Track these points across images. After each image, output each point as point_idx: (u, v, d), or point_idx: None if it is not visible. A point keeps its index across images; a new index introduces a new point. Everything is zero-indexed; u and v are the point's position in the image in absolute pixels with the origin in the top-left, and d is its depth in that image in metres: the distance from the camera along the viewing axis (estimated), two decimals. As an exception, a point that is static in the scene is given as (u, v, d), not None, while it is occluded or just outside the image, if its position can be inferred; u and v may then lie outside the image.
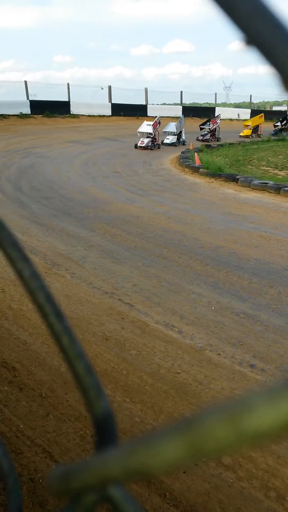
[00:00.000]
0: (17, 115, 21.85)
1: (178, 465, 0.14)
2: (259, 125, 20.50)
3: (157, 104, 29.48)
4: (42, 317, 0.27)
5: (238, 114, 30.94)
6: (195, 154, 11.92)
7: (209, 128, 17.87)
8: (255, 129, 20.31)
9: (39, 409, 2.43)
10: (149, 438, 0.15)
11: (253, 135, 20.03)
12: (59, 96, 24.83)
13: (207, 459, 2.11)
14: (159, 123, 15.74)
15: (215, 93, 31.95)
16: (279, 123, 21.18)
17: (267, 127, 22.14)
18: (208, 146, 15.44)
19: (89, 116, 25.00)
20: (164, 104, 32.02)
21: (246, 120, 21.11)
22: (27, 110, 22.75)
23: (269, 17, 0.15)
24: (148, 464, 0.15)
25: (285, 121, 20.80)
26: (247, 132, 20.07)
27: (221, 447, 0.12)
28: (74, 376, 0.25)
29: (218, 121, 18.42)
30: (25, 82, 23.93)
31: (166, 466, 0.14)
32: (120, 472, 0.16)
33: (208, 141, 17.29)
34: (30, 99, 23.62)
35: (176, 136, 16.18)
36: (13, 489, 0.37)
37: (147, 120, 16.32)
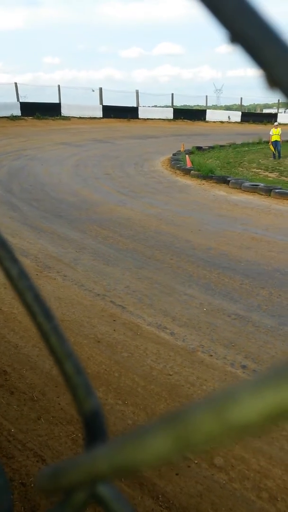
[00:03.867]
0: (7, 117, 21.74)
1: (166, 459, 0.14)
2: None
3: (148, 106, 29.55)
4: (30, 317, 0.26)
5: (229, 117, 31.15)
6: (186, 156, 11.97)
7: None
8: None
9: (30, 412, 2.41)
10: (137, 433, 0.15)
11: None
12: (50, 98, 24.76)
13: (200, 461, 2.11)
14: None
15: (206, 96, 32.13)
16: None
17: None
18: (199, 148, 15.52)
19: (80, 118, 24.97)
20: (155, 106, 32.11)
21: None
22: (17, 112, 22.65)
23: (253, 15, 0.15)
24: (136, 460, 0.15)
25: None
26: None
27: (208, 440, 0.12)
28: (63, 375, 0.25)
29: None
30: (15, 84, 23.84)
31: (154, 460, 0.14)
32: (109, 468, 0.16)
33: None
34: (20, 101, 23.52)
35: None
36: (3, 494, 0.37)
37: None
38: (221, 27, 0.16)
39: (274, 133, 13.45)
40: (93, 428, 0.23)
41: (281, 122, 15.87)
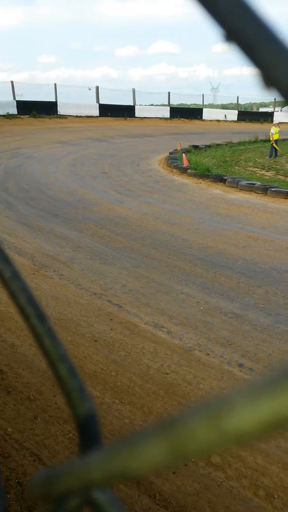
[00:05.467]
0: (3, 116, 21.66)
1: (160, 467, 0.14)
2: None
3: (145, 105, 29.52)
4: (23, 318, 0.26)
5: (225, 115, 31.17)
6: (183, 155, 11.96)
7: None
8: None
9: (27, 412, 2.40)
10: (131, 440, 0.15)
11: None
12: (46, 96, 24.70)
13: (196, 459, 2.11)
14: None
15: (202, 94, 32.13)
16: None
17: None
18: (196, 147, 15.52)
19: (77, 116, 24.91)
20: (152, 105, 32.08)
21: None
22: (13, 110, 22.57)
23: (249, 14, 0.15)
24: (130, 467, 0.14)
25: None
26: None
27: (203, 448, 0.12)
28: (57, 378, 0.25)
29: None
30: (12, 82, 23.75)
31: (148, 468, 0.14)
32: (103, 475, 0.16)
33: None
34: (16, 99, 23.44)
35: None
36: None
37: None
38: (217, 25, 0.15)
39: (276, 131, 13.53)
40: (87, 432, 0.23)
41: (279, 121, 15.90)
